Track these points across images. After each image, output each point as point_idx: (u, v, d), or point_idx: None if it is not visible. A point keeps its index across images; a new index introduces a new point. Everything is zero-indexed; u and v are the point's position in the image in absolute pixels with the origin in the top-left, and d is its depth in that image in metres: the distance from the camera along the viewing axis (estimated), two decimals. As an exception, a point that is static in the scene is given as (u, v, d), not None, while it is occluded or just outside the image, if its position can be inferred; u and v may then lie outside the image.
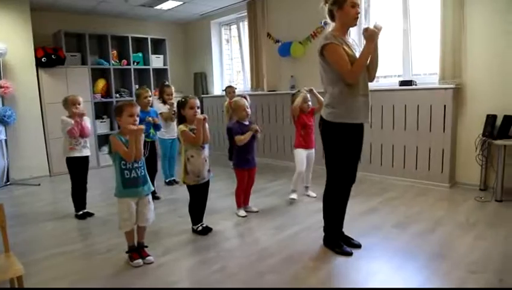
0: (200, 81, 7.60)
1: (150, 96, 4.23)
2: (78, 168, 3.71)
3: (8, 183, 5.35)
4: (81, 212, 3.74)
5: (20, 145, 5.53)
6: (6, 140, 5.34)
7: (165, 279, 2.45)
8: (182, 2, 6.18)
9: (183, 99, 3.06)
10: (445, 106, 4.12)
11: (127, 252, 2.69)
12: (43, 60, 5.69)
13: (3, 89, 5.13)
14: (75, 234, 3.34)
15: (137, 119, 2.66)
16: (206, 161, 3.10)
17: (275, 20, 6.00)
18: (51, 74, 5.89)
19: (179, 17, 7.36)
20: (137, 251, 2.71)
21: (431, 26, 4.36)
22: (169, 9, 6.54)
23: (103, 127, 6.56)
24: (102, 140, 6.43)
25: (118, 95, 6.65)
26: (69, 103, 3.58)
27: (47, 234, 3.38)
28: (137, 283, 2.41)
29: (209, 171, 3.17)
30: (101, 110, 6.68)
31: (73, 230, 3.45)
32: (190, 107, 3.01)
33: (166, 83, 4.98)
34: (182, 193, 4.46)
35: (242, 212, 3.63)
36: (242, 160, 3.56)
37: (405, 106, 4.45)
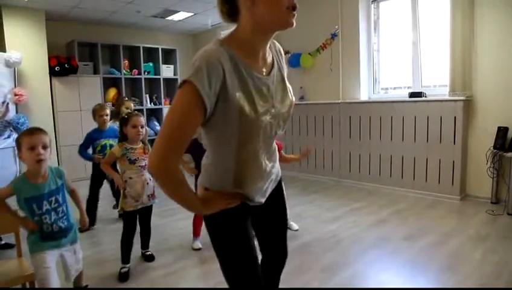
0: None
1: (107, 115, 3.81)
2: None
3: None
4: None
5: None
6: (18, 147, 5.42)
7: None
8: (193, 13, 6.26)
9: (126, 116, 2.75)
10: (455, 117, 4.10)
11: None
12: (56, 68, 5.80)
13: (17, 97, 5.23)
14: (85, 242, 3.35)
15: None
16: (147, 183, 2.72)
17: (284, 31, 6.05)
18: (63, 83, 5.99)
19: (190, 28, 7.46)
20: None
21: (440, 38, 4.37)
22: (180, 20, 6.64)
23: (113, 136, 6.65)
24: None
25: (128, 103, 6.73)
26: None
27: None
28: (147, 291, 2.43)
29: (152, 195, 2.78)
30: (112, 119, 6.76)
31: (83, 238, 3.46)
32: (132, 125, 2.66)
33: (124, 98, 4.91)
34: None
35: (196, 244, 3.09)
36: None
37: (415, 117, 4.44)
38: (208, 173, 1.35)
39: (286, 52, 6.03)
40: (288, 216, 3.08)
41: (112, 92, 6.62)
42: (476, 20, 3.99)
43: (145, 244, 2.96)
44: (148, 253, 2.94)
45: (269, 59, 1.29)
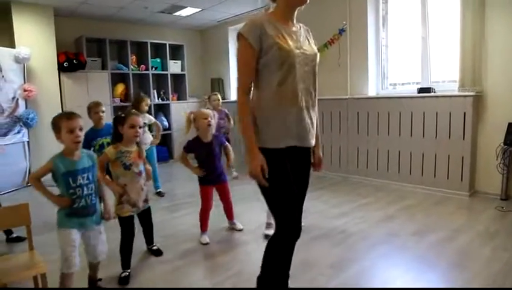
0: (217, 86, 7.67)
1: (103, 112, 3.74)
2: None
3: (30, 184, 5.48)
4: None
5: (41, 147, 5.65)
6: (28, 142, 5.48)
7: (181, 282, 2.48)
8: (200, 9, 6.26)
9: (122, 114, 2.59)
10: (465, 113, 4.06)
11: None
12: (65, 64, 5.85)
13: (27, 93, 5.28)
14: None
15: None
16: (142, 189, 2.63)
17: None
18: (72, 78, 6.04)
19: (197, 24, 7.46)
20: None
21: (450, 33, 4.32)
22: (187, 15, 6.64)
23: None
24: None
25: (136, 99, 6.76)
26: None
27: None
28: (154, 286, 2.45)
29: (146, 200, 2.71)
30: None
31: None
32: (130, 125, 2.50)
33: (142, 94, 4.90)
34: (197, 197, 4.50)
35: (204, 239, 3.11)
36: (204, 178, 3.16)
37: (423, 113, 4.40)
38: (257, 111, 1.79)
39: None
40: None
41: (120, 87, 6.67)
42: (486, 15, 3.93)
43: (149, 240, 2.94)
44: (154, 247, 2.94)
45: (297, 26, 1.86)
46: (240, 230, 3.37)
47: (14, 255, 2.26)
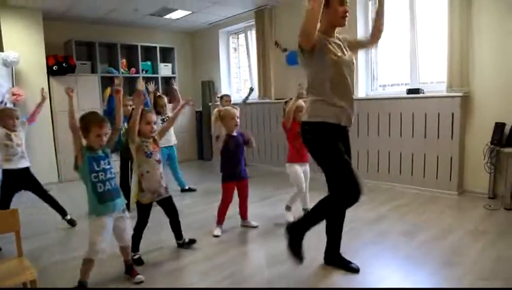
0: (208, 89, 7.67)
1: (131, 105, 3.84)
2: (13, 182, 3.51)
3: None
4: None
5: (31, 151, 5.56)
6: (17, 147, 5.41)
7: (177, 284, 2.48)
8: (190, 12, 6.26)
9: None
10: (453, 113, 4.12)
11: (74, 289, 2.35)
12: (54, 68, 5.80)
13: (15, 96, 5.22)
14: (86, 240, 3.36)
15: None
16: (162, 177, 2.82)
17: (283, 28, 6.05)
18: (61, 82, 5.97)
19: (188, 26, 7.46)
20: (127, 273, 2.57)
21: (438, 35, 4.38)
22: (178, 18, 6.64)
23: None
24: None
25: (126, 102, 6.72)
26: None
27: (58, 240, 3.42)
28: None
29: (166, 188, 2.88)
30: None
31: (83, 235, 3.45)
32: (146, 122, 2.72)
33: (158, 94, 4.95)
34: (198, 198, 4.47)
35: (217, 231, 3.30)
36: (229, 174, 3.32)
37: (412, 114, 4.45)
38: (320, 97, 2.33)
39: (284, 50, 6.05)
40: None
41: (110, 91, 6.61)
42: (473, 16, 4.00)
43: (178, 233, 3.04)
44: (186, 240, 3.05)
45: (338, 39, 2.35)
46: (256, 227, 3.45)
47: (2, 261, 2.22)
